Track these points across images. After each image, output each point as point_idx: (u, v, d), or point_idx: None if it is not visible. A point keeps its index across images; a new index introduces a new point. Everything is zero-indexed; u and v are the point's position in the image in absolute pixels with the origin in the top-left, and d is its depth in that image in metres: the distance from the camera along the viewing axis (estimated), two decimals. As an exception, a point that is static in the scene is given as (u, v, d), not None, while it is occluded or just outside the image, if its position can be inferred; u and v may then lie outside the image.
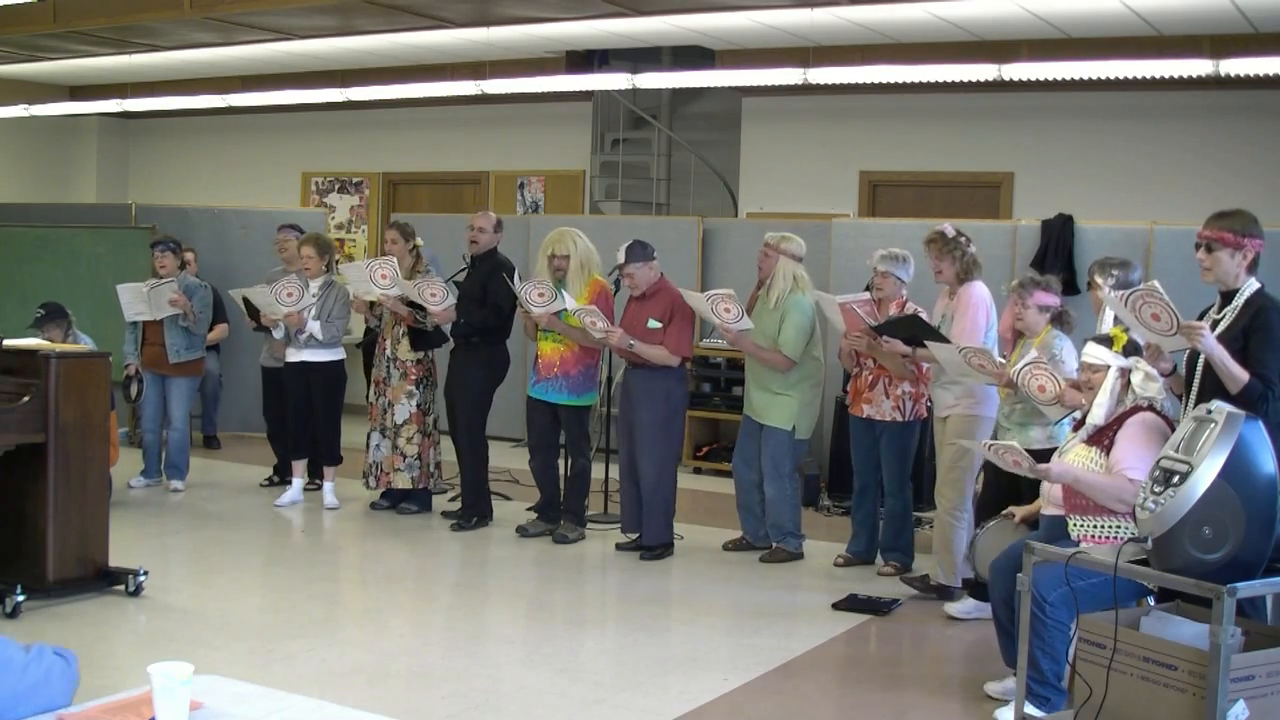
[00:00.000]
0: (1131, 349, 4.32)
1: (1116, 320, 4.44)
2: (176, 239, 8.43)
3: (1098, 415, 4.27)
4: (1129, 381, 4.26)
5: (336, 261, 8.07)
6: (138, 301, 7.86)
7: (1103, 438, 4.23)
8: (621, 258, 6.63)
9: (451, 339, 7.39)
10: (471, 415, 7.25)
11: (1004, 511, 4.96)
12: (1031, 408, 5.35)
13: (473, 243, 7.28)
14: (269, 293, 7.43)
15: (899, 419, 6.33)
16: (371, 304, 7.47)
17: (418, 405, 7.43)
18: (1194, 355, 4.21)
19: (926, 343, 5.87)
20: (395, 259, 7.31)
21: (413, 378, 7.43)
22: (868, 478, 6.54)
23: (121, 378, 7.95)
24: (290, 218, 9.16)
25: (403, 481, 7.44)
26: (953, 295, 6.02)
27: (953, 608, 5.81)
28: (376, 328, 7.66)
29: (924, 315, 6.25)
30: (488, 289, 7.15)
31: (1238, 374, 4.01)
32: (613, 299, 6.88)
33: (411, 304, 7.25)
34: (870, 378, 6.40)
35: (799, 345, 6.53)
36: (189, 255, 9.05)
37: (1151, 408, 4.22)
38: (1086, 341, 4.47)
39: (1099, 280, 5.40)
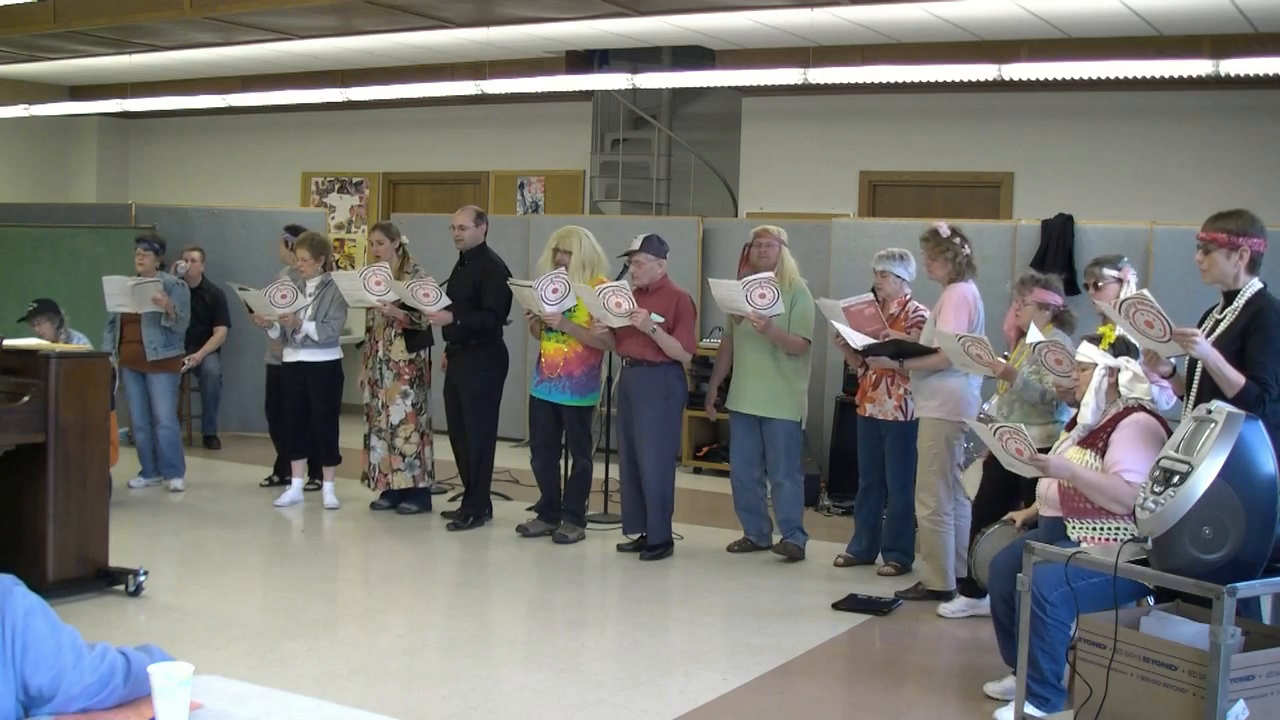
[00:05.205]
0: (1121, 348, 4.32)
1: (1104, 319, 4.42)
2: (162, 240, 8.44)
3: (1086, 415, 4.27)
4: (1116, 381, 4.26)
5: (336, 262, 8.06)
6: (121, 294, 7.86)
7: (1096, 440, 4.22)
8: (636, 245, 6.65)
9: (445, 340, 7.37)
10: (484, 416, 7.24)
11: (1004, 518, 4.95)
12: (1029, 405, 5.35)
13: (457, 240, 7.28)
14: (263, 295, 7.43)
15: (900, 418, 6.33)
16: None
17: (412, 405, 7.43)
18: (1193, 357, 4.20)
19: (934, 332, 5.88)
20: (386, 264, 7.31)
21: (406, 378, 7.42)
22: (872, 477, 6.54)
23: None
24: (290, 218, 9.15)
25: (402, 481, 7.45)
26: None
27: (945, 608, 5.81)
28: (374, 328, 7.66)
29: (925, 314, 6.27)
30: (481, 289, 7.15)
31: (1233, 378, 3.98)
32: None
33: (406, 306, 7.25)
34: (874, 377, 6.41)
35: (812, 327, 6.63)
36: (194, 255, 9.06)
37: (1143, 408, 4.22)
38: (1082, 340, 4.47)
39: (1099, 275, 5.38)
